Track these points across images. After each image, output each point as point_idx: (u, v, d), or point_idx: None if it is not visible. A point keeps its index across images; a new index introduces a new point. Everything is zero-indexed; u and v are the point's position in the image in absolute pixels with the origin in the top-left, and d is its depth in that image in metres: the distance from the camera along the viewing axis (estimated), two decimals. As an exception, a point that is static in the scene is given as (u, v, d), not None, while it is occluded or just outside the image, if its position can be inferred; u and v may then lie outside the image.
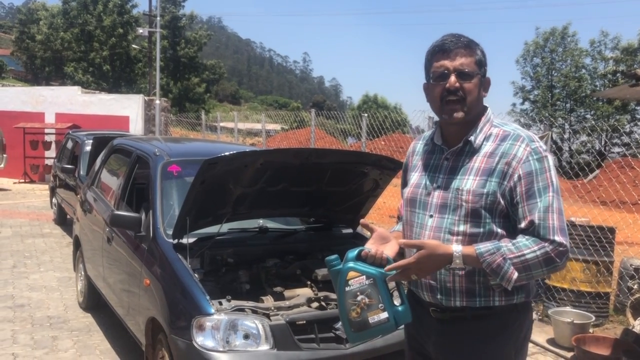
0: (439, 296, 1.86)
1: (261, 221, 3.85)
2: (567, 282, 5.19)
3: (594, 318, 4.79)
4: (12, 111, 14.92)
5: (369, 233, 1.92)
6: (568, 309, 4.94)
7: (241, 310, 2.90)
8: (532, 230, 1.73)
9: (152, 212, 3.62)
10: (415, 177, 1.99)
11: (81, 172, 7.94)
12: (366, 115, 9.45)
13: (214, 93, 58.70)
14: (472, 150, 1.85)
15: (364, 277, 1.77)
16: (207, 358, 2.75)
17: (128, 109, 15.23)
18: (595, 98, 32.09)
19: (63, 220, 9.20)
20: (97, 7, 42.60)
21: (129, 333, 3.92)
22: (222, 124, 17.53)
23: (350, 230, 3.98)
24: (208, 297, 2.90)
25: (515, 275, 1.70)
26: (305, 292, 3.24)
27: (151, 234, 3.51)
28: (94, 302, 5.06)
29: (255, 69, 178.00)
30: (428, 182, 1.92)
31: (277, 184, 3.36)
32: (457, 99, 1.81)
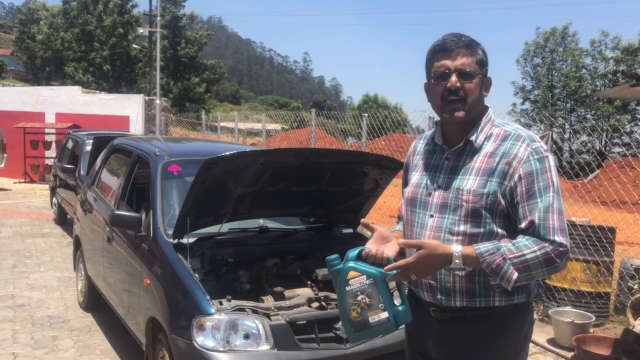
0: (439, 296, 1.85)
1: (261, 221, 3.85)
2: (568, 282, 5.19)
3: (594, 318, 4.79)
4: (13, 111, 14.92)
5: (369, 233, 1.92)
6: (568, 308, 4.94)
7: (241, 310, 2.90)
8: (532, 231, 1.72)
9: (153, 211, 3.62)
10: (416, 176, 1.99)
11: (81, 172, 7.94)
12: (366, 115, 9.45)
13: (214, 93, 58.71)
14: (472, 150, 1.85)
15: (365, 276, 1.77)
16: (208, 358, 2.75)
17: (128, 108, 15.23)
18: (595, 98, 32.09)
19: (63, 220, 9.20)
20: (98, 7, 42.63)
21: (129, 333, 3.92)
22: (222, 124, 17.52)
23: (350, 230, 3.98)
24: (208, 297, 2.90)
25: (515, 275, 1.69)
26: (305, 292, 3.23)
27: (151, 234, 3.51)
28: (94, 302, 5.06)
29: (256, 69, 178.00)
30: (429, 182, 1.92)
31: (278, 184, 3.36)
32: (458, 98, 1.81)
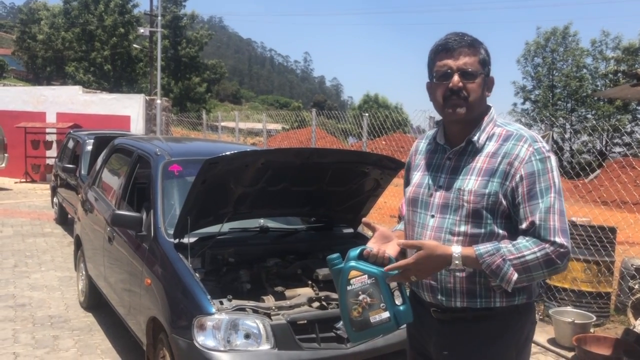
0: (439, 297, 1.85)
1: (262, 221, 3.85)
2: (568, 282, 5.19)
3: (594, 318, 4.79)
4: (14, 111, 14.93)
5: (370, 232, 1.91)
6: (569, 308, 4.94)
7: (242, 309, 2.90)
8: (533, 231, 1.71)
9: (153, 211, 3.62)
10: (418, 176, 1.98)
11: (82, 172, 7.94)
12: (367, 115, 9.44)
13: (215, 93, 58.77)
14: (474, 150, 1.84)
15: (366, 276, 1.76)
16: (208, 357, 2.75)
17: (129, 108, 15.23)
18: (596, 98, 32.05)
19: (64, 220, 9.20)
20: (99, 6, 42.68)
21: (130, 332, 3.92)
22: (223, 124, 17.53)
23: (351, 230, 3.98)
24: (209, 297, 2.90)
25: (515, 276, 1.68)
26: (306, 291, 3.23)
27: (152, 234, 3.51)
28: (95, 302, 5.06)
29: (256, 69, 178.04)
30: (430, 182, 1.91)
31: (278, 184, 3.36)
32: (460, 98, 1.80)
